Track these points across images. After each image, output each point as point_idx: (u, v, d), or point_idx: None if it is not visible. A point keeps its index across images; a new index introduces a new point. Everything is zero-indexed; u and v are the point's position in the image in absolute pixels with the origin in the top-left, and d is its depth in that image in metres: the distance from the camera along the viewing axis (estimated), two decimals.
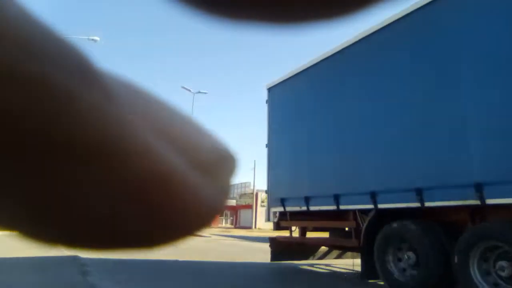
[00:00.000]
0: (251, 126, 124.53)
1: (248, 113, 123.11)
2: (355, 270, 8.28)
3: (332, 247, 9.23)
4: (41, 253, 9.44)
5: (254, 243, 19.24)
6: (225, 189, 0.24)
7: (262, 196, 43.76)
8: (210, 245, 16.68)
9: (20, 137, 0.16)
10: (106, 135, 0.18)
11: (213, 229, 35.65)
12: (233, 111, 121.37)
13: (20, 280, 6.41)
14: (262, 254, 12.99)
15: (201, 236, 23.51)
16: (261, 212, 42.98)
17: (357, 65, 7.19)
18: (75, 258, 9.25)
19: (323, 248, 9.50)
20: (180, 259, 10.36)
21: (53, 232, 0.20)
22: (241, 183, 49.88)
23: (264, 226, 41.52)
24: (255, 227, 40.87)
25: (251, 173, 43.04)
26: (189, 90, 32.77)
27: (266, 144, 9.64)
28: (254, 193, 42.76)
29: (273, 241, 9.41)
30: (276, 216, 9.02)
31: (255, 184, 43.23)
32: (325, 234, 9.02)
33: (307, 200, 7.77)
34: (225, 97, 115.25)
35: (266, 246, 17.09)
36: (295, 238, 9.01)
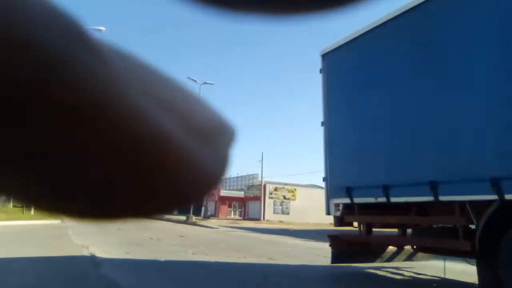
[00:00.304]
0: (258, 118, 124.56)
1: (255, 105, 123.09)
2: (447, 278, 7.05)
3: (424, 249, 6.98)
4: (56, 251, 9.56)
5: (262, 234, 19.28)
6: (224, 159, 0.24)
7: (270, 188, 43.92)
8: (219, 236, 16.74)
9: (14, 103, 0.17)
10: (100, 98, 0.19)
11: (222, 220, 35.85)
12: (239, 103, 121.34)
13: (34, 270, 6.50)
14: (271, 246, 13.05)
15: (210, 227, 23.61)
16: (269, 204, 43.24)
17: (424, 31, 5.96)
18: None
19: (391, 249, 7.77)
20: (191, 251, 10.41)
21: (50, 200, 0.20)
22: (249, 175, 49.97)
23: (272, 218, 41.72)
24: (264, 218, 40.99)
25: (259, 165, 43.04)
26: (195, 81, 32.82)
27: (322, 122, 7.97)
28: (262, 184, 42.83)
29: (335, 240, 7.66)
30: (338, 209, 7.39)
31: (263, 176, 43.30)
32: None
33: (386, 190, 6.13)
34: (231, 88, 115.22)
35: (275, 238, 17.22)
36: (368, 237, 7.27)
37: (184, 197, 0.22)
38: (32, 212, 24.77)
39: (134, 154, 0.20)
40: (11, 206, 37.90)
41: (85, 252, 8.91)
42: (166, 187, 0.21)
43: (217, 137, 0.24)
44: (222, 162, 0.24)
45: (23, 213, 23.53)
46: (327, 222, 42.20)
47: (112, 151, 0.19)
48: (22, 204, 0.21)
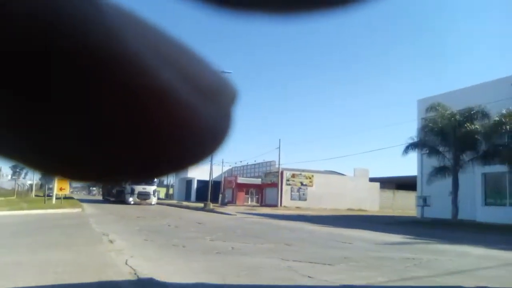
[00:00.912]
0: (274, 105, 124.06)
1: (271, 92, 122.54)
2: None
3: None
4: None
5: (280, 221, 19.34)
6: (226, 116, 0.25)
7: (287, 174, 43.90)
8: (236, 223, 16.84)
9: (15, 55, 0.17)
10: (98, 46, 0.19)
11: (239, 207, 36.01)
12: (256, 90, 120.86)
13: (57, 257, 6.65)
14: (289, 232, 13.08)
15: (227, 214, 23.73)
16: (286, 190, 43.28)
17: None
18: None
19: None
20: (209, 238, 10.49)
21: (54, 160, 0.20)
22: (266, 162, 49.98)
23: (289, 204, 41.81)
24: (281, 205, 41.10)
25: (276, 152, 43.00)
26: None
27: None
28: (280, 171, 42.86)
29: None
30: None
31: (280, 163, 43.26)
32: None
33: None
34: (248, 77, 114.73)
35: (292, 224, 17.27)
36: None
37: (191, 154, 0.23)
38: (54, 201, 25.26)
39: (137, 108, 0.20)
40: (33, 196, 38.64)
41: (105, 240, 9.06)
42: (172, 143, 0.22)
43: (220, 95, 0.24)
44: (226, 120, 0.24)
45: (44, 203, 24.00)
46: (343, 207, 41.69)
47: (114, 102, 0.20)
48: (24, 166, 0.21)
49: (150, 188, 33.56)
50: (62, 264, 6.01)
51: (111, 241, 8.82)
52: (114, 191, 39.25)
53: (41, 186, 39.01)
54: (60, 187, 25.61)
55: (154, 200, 33.82)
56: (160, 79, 0.21)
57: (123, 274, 5.48)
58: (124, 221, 15.46)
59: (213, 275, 5.64)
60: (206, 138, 0.23)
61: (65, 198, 28.18)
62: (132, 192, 32.61)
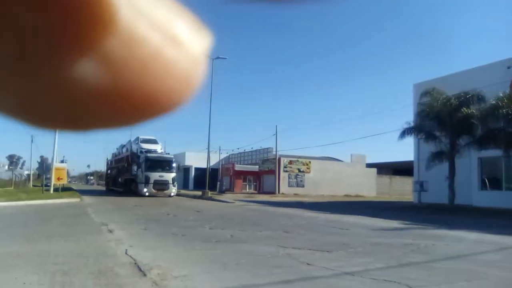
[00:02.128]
0: (270, 91, 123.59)
1: (267, 78, 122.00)
2: None
3: None
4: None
5: (278, 208, 19.42)
6: (196, 60, 0.24)
7: (285, 161, 43.95)
8: (235, 210, 16.90)
9: None
10: None
11: (237, 194, 36.09)
12: (253, 75, 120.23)
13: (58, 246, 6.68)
14: (287, 219, 13.14)
15: (225, 202, 23.79)
16: (284, 177, 43.39)
17: None
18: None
19: None
20: (208, 226, 10.53)
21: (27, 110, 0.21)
22: (263, 149, 49.96)
23: (287, 191, 41.95)
24: (279, 192, 41.23)
25: (273, 138, 42.97)
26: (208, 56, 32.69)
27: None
28: (277, 158, 42.88)
29: None
30: None
31: (278, 150, 43.27)
32: None
33: None
34: (244, 62, 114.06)
35: (290, 211, 17.34)
36: None
37: (154, 97, 0.22)
38: (51, 191, 25.25)
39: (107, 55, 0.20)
40: (31, 186, 38.60)
41: (105, 230, 9.09)
42: (134, 82, 0.21)
43: (192, 41, 0.24)
44: (196, 64, 0.24)
45: (42, 193, 23.99)
46: (341, 193, 41.80)
47: (89, 48, 0.20)
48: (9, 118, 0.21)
49: (169, 176, 28.13)
50: (62, 255, 6.04)
51: (110, 231, 8.85)
52: (121, 179, 33.99)
53: (39, 176, 38.85)
54: (57, 176, 25.59)
55: (173, 190, 28.51)
56: (127, 24, 0.21)
57: (124, 264, 5.51)
58: (122, 211, 15.50)
59: (214, 263, 5.67)
60: (176, 82, 0.23)
61: (64, 189, 28.13)
62: (147, 181, 27.21)
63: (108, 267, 5.29)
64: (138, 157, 29.69)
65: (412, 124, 22.82)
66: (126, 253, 6.27)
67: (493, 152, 20.39)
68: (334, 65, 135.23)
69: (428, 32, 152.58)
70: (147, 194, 26.79)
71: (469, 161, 22.95)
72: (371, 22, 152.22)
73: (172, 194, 28.15)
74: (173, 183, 28.17)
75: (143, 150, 29.63)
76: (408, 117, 24.83)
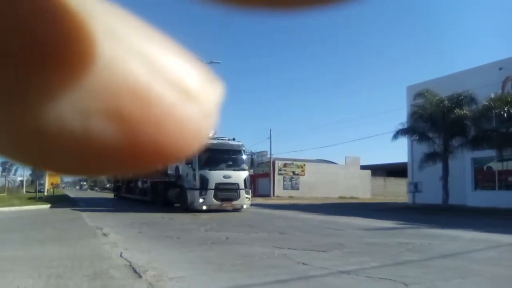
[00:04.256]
0: (264, 94, 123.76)
1: (261, 81, 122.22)
2: None
3: None
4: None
5: (273, 210, 19.43)
6: (208, 114, 0.24)
7: (279, 164, 43.97)
8: (230, 213, 16.87)
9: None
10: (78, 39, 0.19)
11: None
12: (247, 77, 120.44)
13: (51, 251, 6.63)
14: (282, 221, 13.14)
15: None
16: (279, 180, 43.41)
17: None
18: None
19: None
20: (203, 229, 10.51)
21: (26, 151, 0.20)
22: (257, 152, 50.04)
23: (281, 193, 41.94)
24: (274, 195, 41.22)
25: (267, 142, 43.03)
26: (201, 60, 32.76)
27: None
28: (271, 161, 42.90)
29: None
30: None
31: (272, 153, 43.31)
32: None
33: None
34: (237, 65, 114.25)
35: (286, 213, 17.32)
36: None
37: (166, 153, 0.22)
38: (45, 193, 25.07)
39: (113, 102, 0.20)
40: (24, 192, 38.34)
41: (99, 233, 9.04)
42: (146, 140, 0.21)
43: (203, 93, 0.24)
44: (206, 117, 0.23)
45: (36, 199, 23.84)
46: (335, 196, 41.89)
47: (90, 98, 0.19)
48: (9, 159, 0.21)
49: (238, 177, 17.25)
50: (57, 259, 6.00)
51: (105, 235, 8.81)
52: (145, 184, 23.12)
53: (32, 182, 38.55)
54: (51, 182, 25.47)
55: (246, 199, 17.51)
56: (132, 74, 0.20)
57: (119, 266, 5.49)
58: (116, 214, 15.42)
59: (209, 265, 5.66)
60: (184, 136, 0.22)
61: (56, 196, 27.91)
62: (203, 186, 16.49)
63: (103, 269, 5.26)
64: None
65: (405, 126, 22.94)
66: (121, 255, 6.24)
67: (486, 153, 20.54)
68: (328, 68, 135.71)
69: (421, 34, 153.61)
70: (204, 207, 16.25)
71: (462, 162, 23.09)
72: (364, 25, 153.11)
73: (245, 206, 17.39)
74: (245, 187, 17.34)
75: None
76: (401, 119, 24.92)
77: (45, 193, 26.28)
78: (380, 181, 50.71)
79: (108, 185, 68.68)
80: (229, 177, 16.90)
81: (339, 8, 0.21)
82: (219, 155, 16.90)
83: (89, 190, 78.80)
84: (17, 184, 46.10)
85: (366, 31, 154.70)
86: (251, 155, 19.17)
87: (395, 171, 47.30)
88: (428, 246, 7.60)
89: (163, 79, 0.21)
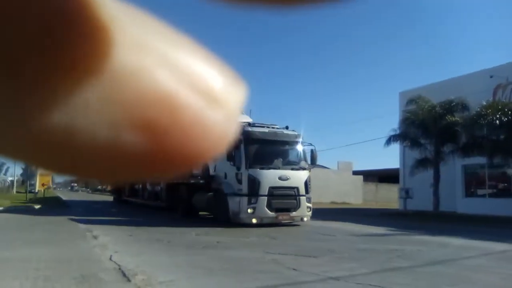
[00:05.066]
0: (258, 98, 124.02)
1: (252, 86, 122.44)
2: None
3: None
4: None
5: None
6: (232, 117, 0.24)
7: None
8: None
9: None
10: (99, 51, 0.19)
11: None
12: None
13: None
14: (273, 226, 13.12)
15: None
16: None
17: None
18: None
19: None
20: (195, 233, 10.47)
21: (57, 161, 0.20)
22: None
23: None
24: None
25: None
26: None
27: None
28: None
29: None
30: None
31: None
32: None
33: None
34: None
35: None
36: None
37: (193, 156, 0.22)
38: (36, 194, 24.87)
39: (142, 111, 0.20)
40: (14, 192, 38.03)
41: (89, 236, 8.97)
42: (174, 147, 0.21)
43: (227, 96, 0.24)
44: (230, 120, 0.24)
45: (26, 199, 23.63)
46: (327, 200, 41.82)
47: (119, 107, 0.20)
48: (34, 166, 0.21)
49: (297, 178, 12.92)
50: (45, 261, 5.94)
51: (94, 237, 8.74)
52: (160, 186, 17.67)
53: (23, 183, 38.20)
54: (42, 182, 25.27)
55: (307, 209, 13.13)
56: (158, 81, 0.21)
57: (108, 269, 5.45)
58: (106, 216, 15.31)
59: (199, 269, 5.64)
60: (208, 137, 0.23)
61: (47, 198, 27.65)
62: (253, 191, 12.13)
63: (91, 272, 5.22)
64: None
65: (397, 132, 23.05)
66: (110, 258, 6.19)
67: (477, 160, 20.70)
68: (322, 74, 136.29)
69: (415, 41, 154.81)
70: (254, 220, 11.92)
71: (454, 169, 23.23)
72: (359, 33, 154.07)
73: (305, 218, 13.02)
74: (306, 192, 13.15)
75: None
76: (394, 124, 25.01)
77: (36, 194, 25.95)
78: (372, 186, 50.84)
79: (100, 187, 68.15)
80: (287, 178, 12.49)
81: (333, 7, 0.21)
82: (272, 148, 12.87)
83: (80, 192, 78.17)
84: (7, 184, 45.70)
85: (361, 39, 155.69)
86: (312, 149, 14.10)
87: (387, 176, 47.46)
88: (418, 253, 7.62)
89: (190, 85, 0.22)
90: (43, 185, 25.51)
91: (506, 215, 18.20)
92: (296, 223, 12.85)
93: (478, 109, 18.76)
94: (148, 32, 0.22)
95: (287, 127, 13.86)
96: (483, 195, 23.59)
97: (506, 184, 22.92)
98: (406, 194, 25.49)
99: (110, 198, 30.48)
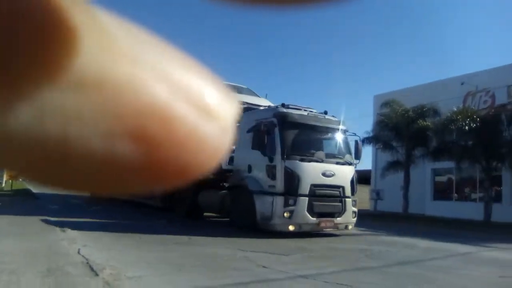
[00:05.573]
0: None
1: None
2: None
3: None
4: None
5: None
6: (226, 130, 0.24)
7: None
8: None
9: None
10: (99, 65, 0.19)
11: None
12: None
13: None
14: None
15: None
16: None
17: None
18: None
19: None
20: (166, 229, 10.37)
21: (50, 173, 0.20)
22: None
23: None
24: None
25: None
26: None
27: None
28: None
29: None
30: None
31: None
32: None
33: None
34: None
35: None
36: None
37: (187, 169, 0.22)
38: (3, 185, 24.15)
39: (136, 124, 0.20)
40: None
41: (58, 229, 8.78)
42: (168, 160, 0.21)
43: (221, 110, 0.24)
44: (224, 134, 0.24)
45: None
46: None
47: (113, 120, 0.20)
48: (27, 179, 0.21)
49: (345, 175, 10.53)
50: (11, 254, 5.80)
51: (63, 230, 8.56)
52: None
53: None
54: (10, 174, 24.54)
55: (353, 218, 10.65)
56: (155, 92, 0.21)
57: (75, 263, 5.36)
58: (76, 209, 14.99)
59: (169, 265, 5.60)
60: (203, 150, 0.23)
61: (15, 190, 26.84)
62: (291, 191, 9.43)
63: (58, 266, 5.12)
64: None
65: (370, 134, 23.42)
66: (78, 252, 6.09)
67: (446, 164, 21.25)
68: (301, 75, 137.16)
69: (395, 44, 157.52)
70: (291, 228, 9.49)
71: (423, 172, 23.77)
72: (334, 36, 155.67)
73: (350, 226, 10.69)
74: (352, 193, 10.74)
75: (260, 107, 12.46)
76: (368, 127, 25.39)
77: (3, 185, 25.15)
78: None
79: None
80: (332, 175, 10.01)
81: (325, 7, 0.22)
82: (313, 136, 10.54)
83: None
84: None
85: (337, 41, 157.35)
86: (357, 140, 12.04)
87: (359, 178, 47.99)
88: (386, 253, 7.78)
89: (185, 98, 0.22)
90: (10, 176, 24.68)
91: (471, 219, 18.79)
92: (339, 232, 10.42)
93: (449, 115, 19.25)
94: (143, 46, 0.22)
95: (325, 112, 11.40)
96: (450, 199, 24.26)
97: (471, 189, 23.64)
98: (377, 195, 25.95)
99: None
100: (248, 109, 11.34)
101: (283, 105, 10.58)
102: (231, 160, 10.56)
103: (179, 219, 12.38)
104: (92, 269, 5.07)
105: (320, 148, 10.48)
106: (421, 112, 21.06)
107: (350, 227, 10.55)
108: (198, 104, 0.22)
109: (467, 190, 24.04)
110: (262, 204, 9.58)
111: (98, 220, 11.11)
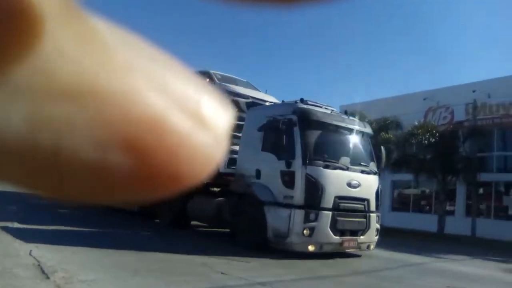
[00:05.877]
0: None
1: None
2: None
3: None
4: None
5: None
6: (220, 140, 0.24)
7: None
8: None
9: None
10: (90, 74, 0.19)
11: None
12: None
13: None
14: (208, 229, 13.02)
15: None
16: None
17: None
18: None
19: None
20: (125, 232, 10.14)
21: (42, 182, 0.20)
22: None
23: None
24: None
25: None
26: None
27: None
28: None
29: None
30: None
31: None
32: None
33: None
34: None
35: None
36: None
37: (180, 181, 0.22)
38: None
39: (129, 133, 0.20)
40: None
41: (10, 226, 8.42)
42: (161, 169, 0.21)
43: (215, 119, 0.24)
44: (218, 143, 0.24)
45: None
46: None
47: (106, 129, 0.20)
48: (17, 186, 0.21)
49: (370, 185, 9.00)
50: None
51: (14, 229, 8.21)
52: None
53: None
54: None
55: (375, 236, 9.11)
56: (149, 101, 0.21)
57: (26, 265, 5.14)
58: (31, 207, 14.41)
59: (124, 269, 5.47)
60: (197, 160, 0.22)
61: None
62: (314, 201, 7.86)
63: (6, 268, 4.89)
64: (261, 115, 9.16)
65: None
66: (30, 254, 5.85)
67: (405, 176, 21.86)
68: (289, 74, 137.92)
69: (365, 56, 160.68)
70: (311, 248, 7.73)
71: (383, 183, 24.35)
72: (308, 40, 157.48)
73: (372, 246, 9.02)
74: (377, 207, 9.21)
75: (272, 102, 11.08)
76: None
77: None
78: None
79: None
80: (357, 185, 8.57)
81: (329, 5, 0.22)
82: (337, 138, 9.11)
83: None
84: None
85: (311, 47, 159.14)
86: (382, 147, 11.48)
87: None
88: (345, 263, 7.90)
89: (178, 107, 0.22)
90: None
91: (426, 230, 19.39)
92: (359, 252, 8.93)
93: (410, 129, 19.84)
94: (137, 54, 0.22)
95: (346, 112, 10.73)
96: (408, 210, 24.99)
97: (427, 201, 24.45)
98: None
99: None
100: (254, 104, 10.11)
101: (302, 101, 8.96)
102: (231, 162, 9.11)
103: (164, 227, 10.92)
104: (43, 271, 4.88)
105: (344, 153, 8.87)
106: (384, 124, 21.59)
107: (372, 247, 9.01)
108: (192, 113, 0.22)
109: (423, 202, 24.82)
110: (275, 218, 7.97)
111: (59, 227, 9.24)
